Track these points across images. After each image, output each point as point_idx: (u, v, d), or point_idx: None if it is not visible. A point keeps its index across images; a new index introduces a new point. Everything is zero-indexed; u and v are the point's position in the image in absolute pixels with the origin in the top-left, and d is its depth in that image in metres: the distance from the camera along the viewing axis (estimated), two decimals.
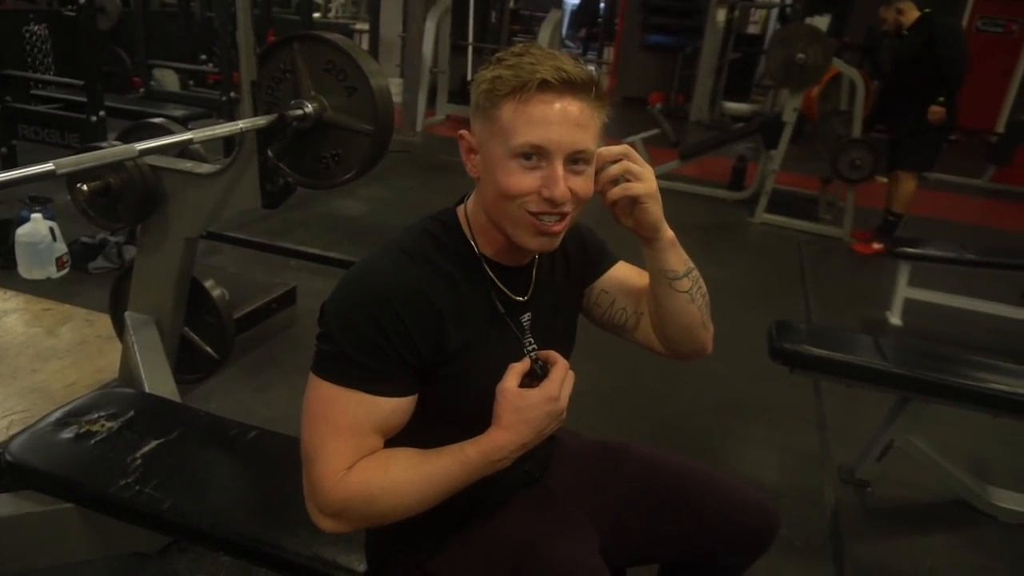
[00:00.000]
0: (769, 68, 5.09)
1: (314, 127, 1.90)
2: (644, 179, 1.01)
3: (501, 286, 1.04)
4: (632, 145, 5.82)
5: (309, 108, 1.88)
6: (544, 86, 0.89)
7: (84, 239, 3.23)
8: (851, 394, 2.22)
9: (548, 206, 0.93)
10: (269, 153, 1.90)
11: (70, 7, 4.79)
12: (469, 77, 7.63)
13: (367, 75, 1.88)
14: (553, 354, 1.03)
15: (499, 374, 0.98)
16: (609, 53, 11.12)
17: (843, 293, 4.13)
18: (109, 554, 1.66)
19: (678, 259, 1.09)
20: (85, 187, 1.79)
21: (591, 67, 0.95)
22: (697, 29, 9.35)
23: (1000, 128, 8.63)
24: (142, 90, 5.47)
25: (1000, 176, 6.97)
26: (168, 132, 1.93)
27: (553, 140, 0.90)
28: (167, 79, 6.18)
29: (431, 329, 0.96)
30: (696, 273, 1.13)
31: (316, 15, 8.29)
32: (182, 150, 1.99)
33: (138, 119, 4.99)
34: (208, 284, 2.14)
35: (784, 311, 3.44)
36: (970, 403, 2.01)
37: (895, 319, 3.64)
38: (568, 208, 0.94)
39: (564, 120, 0.90)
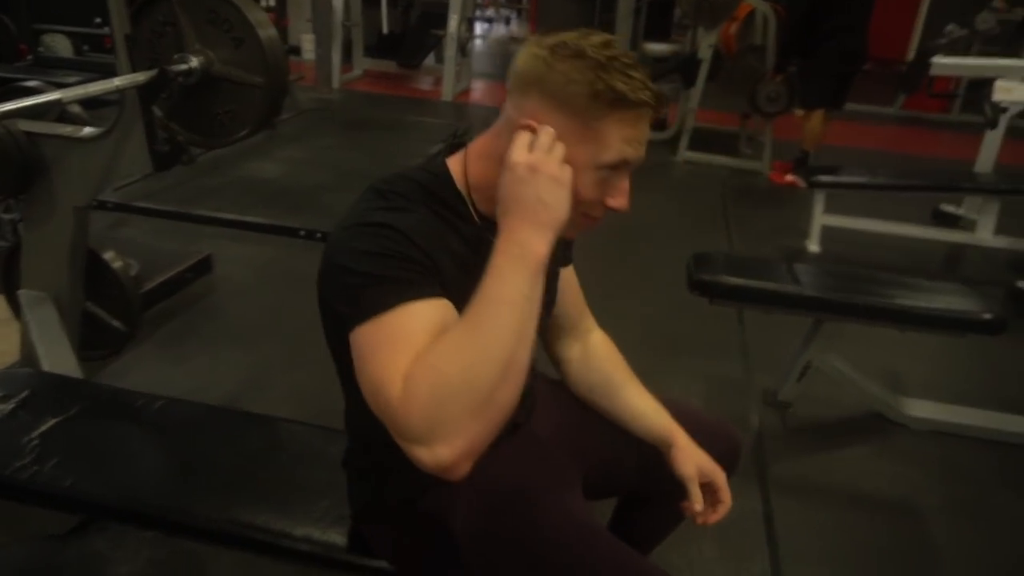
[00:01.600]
0: (681, 6, 5.09)
1: (201, 82, 1.80)
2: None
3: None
4: None
5: (194, 62, 1.78)
6: (646, 107, 0.91)
7: None
8: (772, 321, 2.27)
9: (606, 213, 0.98)
10: (156, 112, 1.80)
11: None
12: (385, 29, 7.40)
13: (253, 24, 1.78)
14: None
15: None
16: None
17: (764, 225, 4.22)
18: (16, 538, 1.59)
19: None
20: None
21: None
22: None
23: (910, 56, 8.86)
24: (30, 57, 5.12)
25: (910, 103, 7.19)
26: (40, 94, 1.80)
27: (636, 158, 0.94)
28: (59, 44, 5.79)
29: (438, 258, 0.92)
30: None
31: None
32: (61, 114, 1.87)
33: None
34: (108, 256, 2.04)
35: (707, 245, 3.49)
36: (878, 319, 2.08)
37: (814, 246, 3.74)
38: None
39: (645, 139, 0.95)
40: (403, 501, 1.10)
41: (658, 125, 5.81)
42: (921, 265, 3.71)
